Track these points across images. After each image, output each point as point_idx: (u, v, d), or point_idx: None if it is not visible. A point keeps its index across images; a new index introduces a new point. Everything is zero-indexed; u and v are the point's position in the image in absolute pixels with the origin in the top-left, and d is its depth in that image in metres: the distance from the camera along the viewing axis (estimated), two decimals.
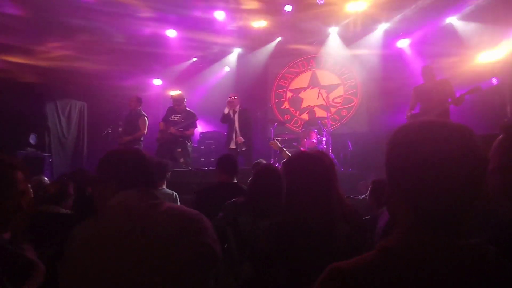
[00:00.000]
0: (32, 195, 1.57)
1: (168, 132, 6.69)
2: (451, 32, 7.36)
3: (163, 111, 8.93)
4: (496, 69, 6.58)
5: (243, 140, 6.58)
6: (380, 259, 0.80)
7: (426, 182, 0.79)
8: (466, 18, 7.14)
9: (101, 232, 1.27)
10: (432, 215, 0.81)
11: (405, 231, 0.83)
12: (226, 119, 6.71)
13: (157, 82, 10.03)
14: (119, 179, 1.38)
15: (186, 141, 6.81)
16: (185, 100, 7.05)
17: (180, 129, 6.71)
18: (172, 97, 7.20)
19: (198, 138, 9.03)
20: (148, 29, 8.13)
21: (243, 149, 6.58)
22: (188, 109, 7.02)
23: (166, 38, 8.74)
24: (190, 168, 6.60)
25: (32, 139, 7.32)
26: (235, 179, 3.27)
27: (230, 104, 6.67)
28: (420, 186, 0.80)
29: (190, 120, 6.78)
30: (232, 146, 6.60)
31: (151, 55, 8.96)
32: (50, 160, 7.70)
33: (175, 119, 6.84)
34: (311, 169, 1.68)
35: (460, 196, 0.79)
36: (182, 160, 6.53)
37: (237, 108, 6.75)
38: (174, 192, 3.72)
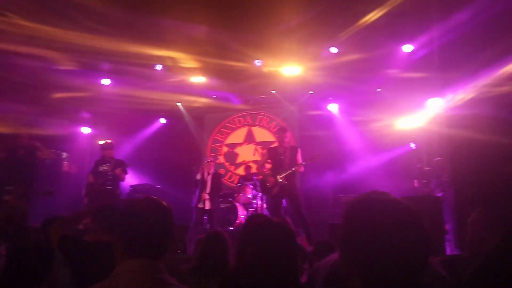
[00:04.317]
0: None
1: (98, 183, 6.34)
2: (377, 99, 8.09)
3: (90, 161, 8.41)
4: (414, 135, 7.32)
5: (207, 197, 6.86)
6: None
7: (377, 256, 0.85)
8: (390, 87, 7.92)
9: None
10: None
11: None
12: (199, 183, 7.00)
13: (85, 130, 9.50)
14: (129, 243, 1.28)
15: (116, 190, 6.48)
16: (113, 148, 6.81)
17: (109, 178, 6.39)
18: (100, 145, 6.88)
19: (128, 190, 8.55)
20: (80, 78, 7.85)
21: (208, 208, 6.86)
22: (117, 159, 6.79)
23: (99, 85, 8.48)
24: None
25: None
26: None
27: (207, 166, 7.04)
28: (371, 260, 0.85)
29: (120, 167, 6.50)
30: (201, 205, 6.86)
31: (80, 101, 8.57)
32: None
33: (104, 168, 6.51)
34: (278, 239, 1.53)
35: (408, 271, 0.85)
36: None
37: (211, 170, 7.09)
38: None
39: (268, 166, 6.21)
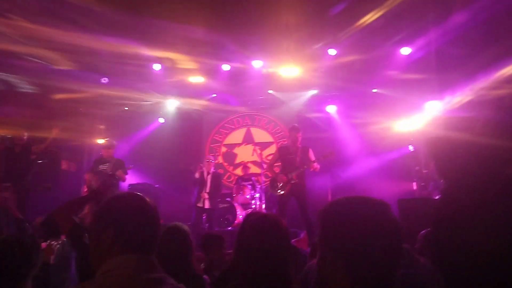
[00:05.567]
0: None
1: (99, 183, 6.35)
2: (375, 101, 8.07)
3: (88, 160, 8.40)
4: (412, 137, 7.31)
5: (206, 196, 6.85)
6: None
7: (364, 251, 0.92)
8: (388, 89, 7.91)
9: None
10: (367, 281, 0.92)
11: None
12: (198, 182, 7.00)
13: None
14: (122, 238, 1.22)
15: (115, 190, 6.49)
16: (114, 148, 6.84)
17: (109, 178, 6.44)
18: (101, 144, 6.92)
19: (127, 190, 8.54)
20: (78, 78, 7.88)
21: (207, 207, 6.85)
22: (116, 158, 6.82)
23: (96, 84, 8.50)
24: None
25: None
26: None
27: (207, 165, 7.02)
28: (359, 255, 0.93)
29: (120, 167, 6.51)
30: (200, 204, 6.86)
31: (78, 102, 8.58)
32: None
33: (104, 168, 6.52)
34: (270, 235, 1.54)
35: (389, 263, 0.94)
36: None
37: (211, 170, 7.05)
38: None
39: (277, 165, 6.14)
